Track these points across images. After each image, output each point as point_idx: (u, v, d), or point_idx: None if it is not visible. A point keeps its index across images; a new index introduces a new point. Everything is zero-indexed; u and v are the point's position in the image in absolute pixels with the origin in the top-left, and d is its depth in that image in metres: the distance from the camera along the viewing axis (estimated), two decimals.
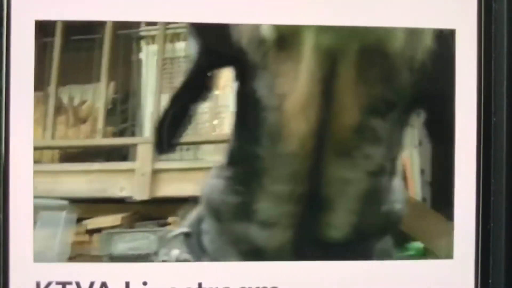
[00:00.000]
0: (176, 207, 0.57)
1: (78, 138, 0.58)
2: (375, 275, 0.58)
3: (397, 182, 0.59)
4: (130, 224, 0.58)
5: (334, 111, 0.57)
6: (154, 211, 0.58)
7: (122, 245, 0.57)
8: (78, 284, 0.56)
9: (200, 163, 0.58)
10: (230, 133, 0.58)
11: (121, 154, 0.59)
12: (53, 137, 0.57)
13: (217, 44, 0.57)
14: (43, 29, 0.55)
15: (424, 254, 0.59)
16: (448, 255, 0.58)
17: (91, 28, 0.57)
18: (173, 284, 0.56)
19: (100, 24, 0.56)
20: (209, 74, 0.58)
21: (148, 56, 0.59)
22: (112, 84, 0.58)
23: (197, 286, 0.57)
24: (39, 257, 0.55)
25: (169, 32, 0.58)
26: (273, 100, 0.57)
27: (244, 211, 0.57)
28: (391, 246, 0.59)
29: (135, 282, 0.56)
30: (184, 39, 0.58)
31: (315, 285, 0.57)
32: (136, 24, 0.58)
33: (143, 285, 0.56)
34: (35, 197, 0.55)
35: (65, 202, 0.57)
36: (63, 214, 0.57)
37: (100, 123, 0.58)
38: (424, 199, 0.59)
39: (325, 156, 0.57)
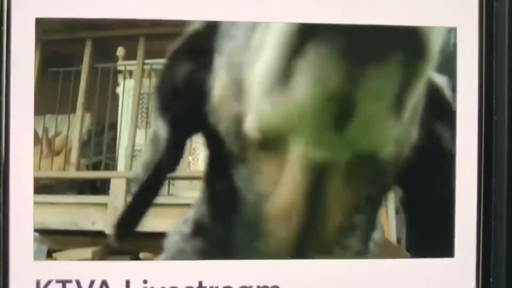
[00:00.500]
0: (148, 243, 0.57)
1: (51, 169, 0.58)
2: (376, 274, 0.58)
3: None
4: (101, 258, 0.57)
5: (319, 216, 0.56)
6: (126, 246, 0.58)
7: None
8: (78, 282, 0.55)
9: (174, 199, 0.58)
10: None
11: (94, 187, 0.59)
12: None
13: (189, 127, 0.57)
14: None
15: None
16: (449, 253, 0.58)
17: (69, 60, 0.57)
18: (173, 283, 0.56)
19: (79, 57, 0.56)
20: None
21: (125, 90, 0.59)
22: (88, 116, 0.58)
23: (197, 284, 0.56)
24: None
25: (147, 68, 0.58)
26: (252, 195, 0.56)
27: None
28: None
29: (136, 280, 0.56)
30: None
31: (316, 283, 0.57)
32: (114, 58, 0.58)
33: (144, 284, 0.56)
34: None
35: (36, 234, 0.56)
36: (34, 245, 0.56)
37: (74, 156, 0.58)
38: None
39: (305, 255, 0.57)
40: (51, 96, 0.57)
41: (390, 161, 0.57)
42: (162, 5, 0.55)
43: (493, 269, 0.57)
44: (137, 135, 0.58)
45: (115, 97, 0.59)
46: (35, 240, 0.56)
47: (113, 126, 0.58)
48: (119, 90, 0.59)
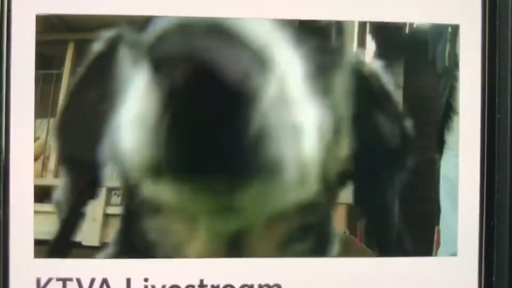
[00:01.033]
0: None
1: None
2: (378, 273, 0.57)
3: None
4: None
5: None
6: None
7: None
8: (78, 280, 0.55)
9: None
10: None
11: None
12: None
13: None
14: None
15: None
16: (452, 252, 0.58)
17: (51, 63, 0.56)
18: (174, 281, 0.55)
19: (60, 59, 0.55)
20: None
21: None
22: None
23: (199, 282, 0.55)
24: None
25: None
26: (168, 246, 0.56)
27: None
28: None
29: (136, 278, 0.55)
30: None
31: (316, 283, 0.56)
32: None
33: (144, 282, 0.55)
34: None
35: None
36: None
37: (52, 162, 0.56)
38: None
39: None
40: None
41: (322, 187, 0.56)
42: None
43: (496, 267, 0.57)
44: None
45: None
46: None
47: None
48: None
